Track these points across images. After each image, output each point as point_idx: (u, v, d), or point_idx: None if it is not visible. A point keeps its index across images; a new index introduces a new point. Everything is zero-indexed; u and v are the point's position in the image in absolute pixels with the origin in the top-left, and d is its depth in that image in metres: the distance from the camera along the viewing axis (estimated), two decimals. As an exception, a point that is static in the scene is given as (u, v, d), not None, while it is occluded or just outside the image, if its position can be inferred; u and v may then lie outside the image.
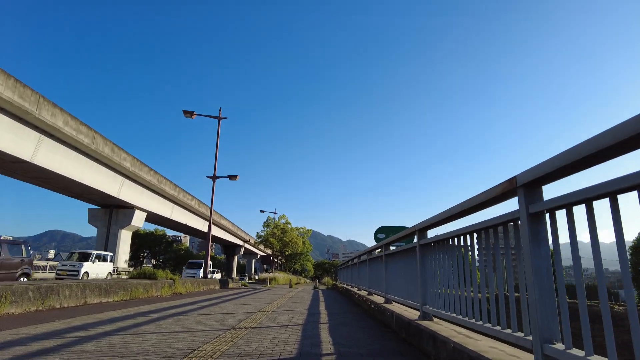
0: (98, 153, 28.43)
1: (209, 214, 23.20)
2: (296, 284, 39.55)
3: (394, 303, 6.57)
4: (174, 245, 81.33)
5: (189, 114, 22.60)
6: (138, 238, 71.56)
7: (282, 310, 8.28)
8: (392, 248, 8.98)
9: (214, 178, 22.24)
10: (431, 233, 4.45)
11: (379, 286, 7.53)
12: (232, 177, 23.39)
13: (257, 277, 50.92)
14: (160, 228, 72.57)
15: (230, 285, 23.50)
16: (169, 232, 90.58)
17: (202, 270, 22.61)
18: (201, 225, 52.13)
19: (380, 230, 15.08)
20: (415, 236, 4.61)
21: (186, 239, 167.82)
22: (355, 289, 12.47)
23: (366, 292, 9.39)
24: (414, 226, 4.62)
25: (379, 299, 7.44)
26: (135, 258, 72.49)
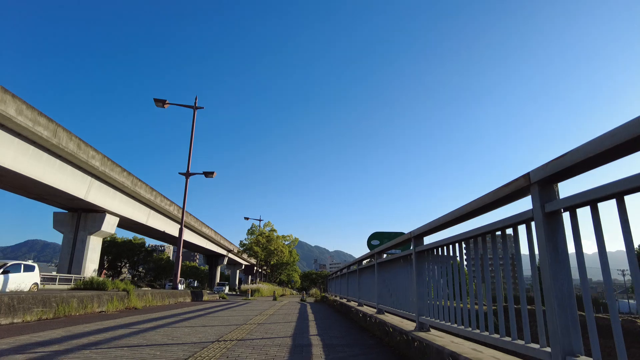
0: (61, 149, 25.44)
1: (182, 215, 20.38)
2: (281, 295, 36.71)
3: (432, 331, 4.04)
4: (154, 254, 77.43)
5: (160, 102, 19.94)
6: (115, 247, 67.69)
7: (254, 337, 5.63)
8: (384, 256, 6.58)
9: (187, 175, 19.46)
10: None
11: (402, 303, 4.97)
12: (208, 174, 20.60)
13: (237, 289, 47.29)
14: (139, 236, 68.84)
15: (205, 297, 20.62)
16: (151, 242, 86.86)
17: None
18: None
19: (374, 236, 13.50)
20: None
21: (169, 249, 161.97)
22: (353, 304, 9.87)
23: (374, 310, 6.80)
24: (529, 173, 2.10)
25: (404, 324, 4.87)
26: (112, 268, 68.39)
